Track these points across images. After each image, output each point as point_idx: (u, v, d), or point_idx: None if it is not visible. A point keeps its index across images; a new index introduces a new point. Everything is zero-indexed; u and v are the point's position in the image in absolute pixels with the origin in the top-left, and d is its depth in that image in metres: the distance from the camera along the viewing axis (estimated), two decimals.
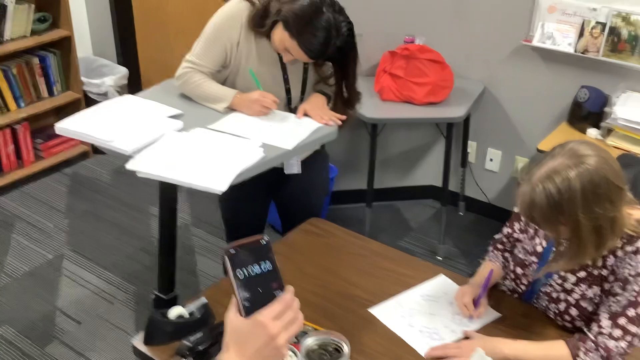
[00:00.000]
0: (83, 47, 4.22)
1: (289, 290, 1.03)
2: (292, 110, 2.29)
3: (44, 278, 3.12)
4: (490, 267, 1.88)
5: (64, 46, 3.90)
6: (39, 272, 3.16)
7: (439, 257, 3.35)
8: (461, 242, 3.50)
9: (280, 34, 2.06)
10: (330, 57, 2.11)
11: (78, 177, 3.97)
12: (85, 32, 4.29)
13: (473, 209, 3.71)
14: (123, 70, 4.17)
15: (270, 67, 2.21)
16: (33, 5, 3.71)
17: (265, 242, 1.02)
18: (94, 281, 3.12)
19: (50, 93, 3.95)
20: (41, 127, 3.96)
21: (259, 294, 1.00)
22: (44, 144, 3.95)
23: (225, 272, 1.00)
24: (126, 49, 4.32)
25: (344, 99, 2.23)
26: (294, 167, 2.22)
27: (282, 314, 1.01)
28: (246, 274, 0.99)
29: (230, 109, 2.21)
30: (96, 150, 4.11)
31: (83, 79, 4.02)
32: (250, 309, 1.00)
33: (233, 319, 1.01)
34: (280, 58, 2.19)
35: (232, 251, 0.99)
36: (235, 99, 2.19)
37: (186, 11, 3.99)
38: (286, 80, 2.24)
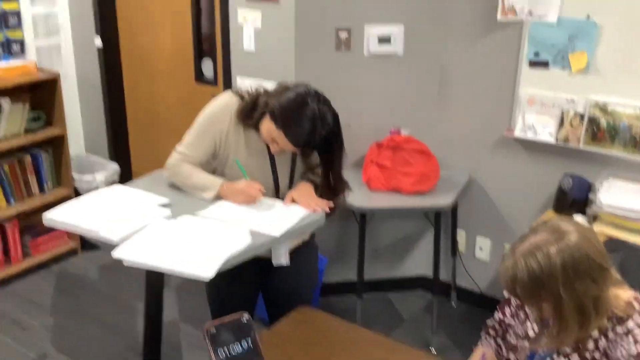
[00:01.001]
0: (76, 144, 4.30)
1: None
2: (280, 200, 2.31)
3: None
4: (482, 352, 1.85)
5: (57, 144, 3.96)
6: None
7: (432, 349, 3.28)
8: (454, 334, 3.43)
9: (267, 125, 2.12)
10: (316, 146, 2.16)
11: (65, 274, 3.92)
12: (78, 130, 4.39)
13: (465, 299, 3.67)
14: (114, 167, 4.23)
15: (259, 157, 2.26)
16: (28, 105, 3.81)
17: (246, 320, 1.01)
18: None
19: (42, 190, 3.97)
20: (31, 224, 3.95)
21: None
22: (32, 241, 3.93)
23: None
24: (118, 146, 4.40)
25: (330, 188, 2.26)
26: (281, 258, 2.22)
27: None
28: (227, 353, 0.98)
29: (218, 197, 2.23)
30: (85, 246, 4.09)
31: (74, 175, 4.07)
32: None
33: None
34: (269, 149, 2.24)
35: (213, 330, 0.98)
36: (222, 188, 2.22)
37: (178, 110, 4.10)
38: (274, 171, 2.28)
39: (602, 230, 2.78)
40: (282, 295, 2.43)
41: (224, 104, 2.25)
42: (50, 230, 3.97)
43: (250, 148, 2.25)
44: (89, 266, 3.97)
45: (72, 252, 4.09)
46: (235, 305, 2.44)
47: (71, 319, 3.48)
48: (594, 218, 2.88)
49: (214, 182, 2.23)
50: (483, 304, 3.55)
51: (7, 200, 3.79)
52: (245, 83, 3.34)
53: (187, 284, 3.72)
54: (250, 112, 2.18)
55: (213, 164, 2.31)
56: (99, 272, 3.91)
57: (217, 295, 2.46)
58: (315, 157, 2.29)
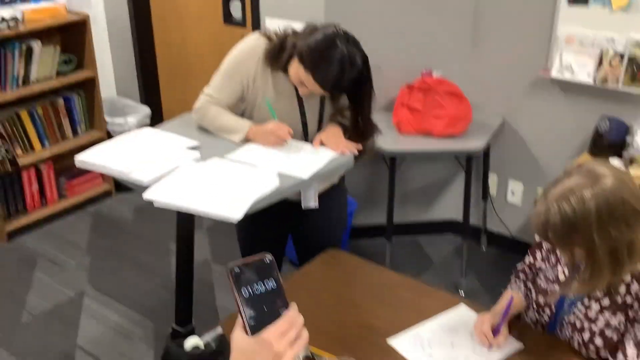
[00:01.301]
0: (107, 87, 4.31)
1: (293, 307, 1.02)
2: (309, 142, 2.29)
3: (65, 315, 3.13)
4: (510, 295, 1.84)
5: (88, 87, 3.99)
6: (60, 310, 3.17)
7: (461, 292, 3.29)
8: (484, 278, 3.43)
9: (295, 67, 2.09)
10: (345, 89, 2.12)
11: (100, 216, 4.01)
12: (109, 73, 4.40)
13: (495, 243, 3.65)
14: (146, 110, 4.25)
15: (287, 100, 2.23)
16: (59, 48, 3.82)
17: (269, 261, 1.01)
18: (114, 318, 3.11)
19: (75, 133, 4.03)
20: (65, 166, 4.03)
21: (264, 312, 0.99)
22: (67, 183, 4.00)
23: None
24: (149, 89, 4.41)
25: (359, 131, 2.23)
26: (310, 202, 2.21)
27: (287, 331, 0.99)
28: (251, 292, 0.99)
29: (246, 140, 2.23)
30: (119, 188, 4.16)
31: (107, 118, 4.10)
32: (255, 327, 0.98)
33: (238, 338, 1.00)
34: (297, 91, 2.21)
35: (237, 270, 0.99)
36: (250, 131, 2.21)
37: (207, 51, 4.07)
38: (302, 114, 2.26)
39: (638, 173, 2.71)
40: (311, 238, 2.45)
41: (251, 45, 2.21)
42: (84, 172, 4.04)
43: (278, 90, 2.22)
44: (123, 208, 4.05)
45: (106, 194, 4.17)
46: (265, 247, 2.46)
47: (107, 258, 3.57)
48: (630, 161, 2.81)
49: (242, 125, 2.22)
50: (513, 248, 3.54)
51: (42, 143, 3.86)
52: (274, 24, 3.28)
53: (218, 225, 3.78)
54: (278, 53, 2.14)
55: (242, 107, 2.29)
56: (133, 214, 3.99)
57: (247, 237, 2.48)
58: (344, 100, 2.26)
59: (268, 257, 1.01)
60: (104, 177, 4.15)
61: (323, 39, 2.03)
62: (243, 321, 0.99)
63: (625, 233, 1.46)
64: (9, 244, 3.70)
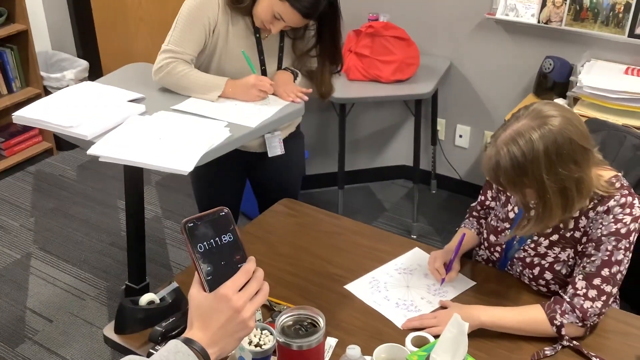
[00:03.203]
0: (41, 41, 4.11)
1: (251, 260, 1.00)
2: None
3: (13, 278, 3.04)
4: (462, 232, 1.88)
5: (21, 41, 3.80)
6: (7, 273, 3.08)
7: (413, 236, 3.35)
8: (435, 220, 3.49)
9: (267, 2, 2.00)
10: (322, 13, 2.06)
11: (42, 175, 3.88)
12: (42, 25, 4.18)
13: (445, 186, 3.71)
14: (83, 63, 4.08)
15: (247, 47, 2.15)
16: None
17: (224, 214, 0.98)
18: (64, 279, 3.05)
19: (10, 90, 3.85)
20: (1, 125, 3.86)
21: (222, 268, 0.97)
22: (5, 143, 3.84)
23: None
24: (86, 42, 4.22)
25: (329, 67, 2.19)
26: (277, 149, 2.18)
27: (246, 285, 0.98)
28: (207, 247, 0.96)
29: (223, 97, 2.12)
30: (60, 146, 4.02)
31: (43, 73, 3.92)
32: (213, 283, 0.96)
33: (195, 294, 0.98)
34: (257, 37, 2.13)
35: (191, 225, 0.95)
36: (227, 86, 2.10)
37: (144, 0, 3.90)
38: (262, 61, 2.19)
39: (582, 112, 2.77)
40: (271, 186, 2.42)
41: None
42: (23, 131, 3.89)
43: (238, 38, 2.13)
44: (66, 167, 3.92)
45: (47, 153, 4.03)
46: (223, 197, 2.43)
47: (52, 219, 3.47)
48: (574, 100, 2.86)
49: (218, 82, 2.10)
50: (463, 190, 3.60)
51: None
52: None
53: (168, 180, 3.71)
54: None
55: (198, 60, 2.18)
56: (77, 172, 3.87)
57: (204, 190, 2.43)
58: (306, 40, 2.19)
59: (224, 210, 0.98)
60: (43, 135, 3.99)
61: None
62: (200, 278, 0.96)
63: (573, 171, 1.49)
64: None
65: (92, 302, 2.91)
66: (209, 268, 0.96)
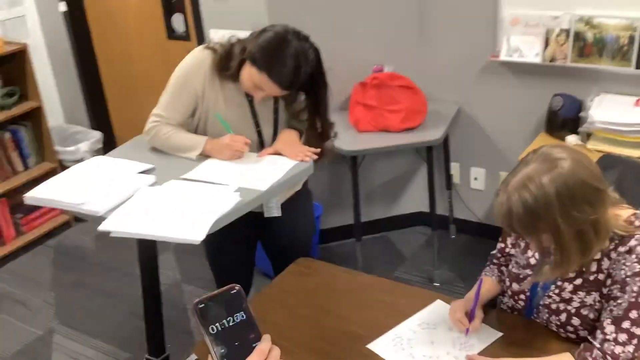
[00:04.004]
0: (54, 116, 4.20)
1: (266, 339, 0.96)
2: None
3: (35, 355, 3.02)
4: (484, 280, 1.83)
5: (35, 117, 3.87)
6: (30, 350, 3.06)
7: (436, 284, 3.29)
8: (456, 266, 3.44)
9: (248, 71, 2.04)
10: (301, 86, 2.07)
11: (62, 248, 3.89)
12: (55, 101, 4.27)
13: (464, 230, 3.66)
14: (97, 135, 4.15)
15: (239, 110, 2.19)
16: (0, 81, 3.69)
17: (236, 292, 0.96)
18: (87, 352, 3.02)
19: (25, 166, 3.90)
20: (20, 201, 3.86)
21: (236, 348, 0.94)
22: (24, 218, 3.88)
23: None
24: (98, 113, 4.30)
25: (317, 131, 2.20)
26: (273, 210, 2.17)
27: None
28: (219, 328, 0.93)
29: (203, 155, 2.17)
30: (78, 218, 4.04)
31: (57, 148, 3.98)
32: None
33: None
34: (249, 101, 2.16)
35: (201, 305, 0.93)
36: (207, 145, 2.16)
37: (153, 68, 3.99)
38: (257, 124, 2.21)
39: (596, 147, 2.74)
40: (280, 246, 2.41)
41: (196, 59, 2.16)
42: (40, 206, 3.92)
43: (229, 102, 2.17)
44: (84, 238, 3.94)
45: (65, 226, 4.05)
46: (234, 260, 2.42)
47: (73, 291, 3.46)
48: (587, 136, 2.84)
49: (198, 141, 2.17)
50: (482, 233, 3.55)
51: None
52: (219, 35, 3.22)
53: (185, 244, 3.69)
54: (227, 62, 2.09)
55: (193, 123, 2.23)
56: (95, 243, 3.88)
57: (215, 256, 2.43)
58: (298, 103, 2.22)
59: (235, 288, 0.96)
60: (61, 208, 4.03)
61: (274, 36, 2.00)
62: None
63: (588, 213, 1.45)
64: None
65: None
66: (222, 350, 0.93)
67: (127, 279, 3.51)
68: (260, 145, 2.24)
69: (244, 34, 2.19)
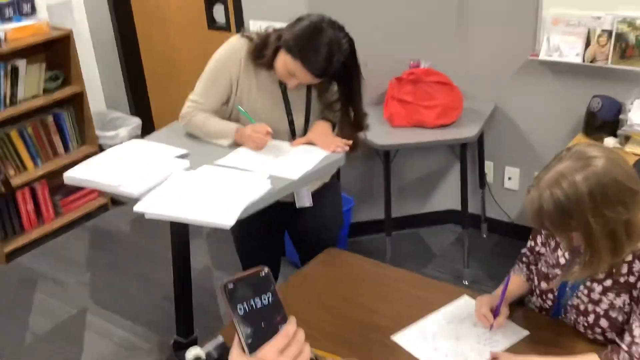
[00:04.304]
0: (96, 101, 4.29)
1: (292, 321, 0.97)
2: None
3: (69, 334, 3.10)
4: (512, 279, 1.83)
5: (77, 102, 3.96)
6: (64, 328, 3.14)
7: (465, 282, 3.27)
8: (486, 265, 3.41)
9: (283, 58, 2.06)
10: (334, 74, 2.09)
11: (98, 230, 3.99)
12: (97, 86, 4.37)
13: (496, 230, 3.63)
14: (136, 121, 4.23)
15: (272, 99, 2.21)
16: (44, 65, 3.79)
17: (264, 274, 0.97)
18: (119, 333, 3.09)
19: (67, 149, 4.00)
20: (60, 183, 3.96)
21: (262, 329, 0.95)
22: (63, 200, 3.98)
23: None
24: (138, 100, 4.38)
25: (351, 121, 2.21)
26: (305, 200, 2.19)
27: (286, 348, 0.96)
28: (247, 308, 0.94)
29: (236, 143, 2.21)
30: (115, 202, 4.13)
31: (98, 132, 4.07)
32: (253, 345, 0.94)
33: (236, 357, 0.96)
34: (282, 89, 2.18)
35: (230, 286, 0.94)
36: (237, 134, 2.19)
37: (193, 58, 4.04)
38: (289, 112, 2.23)
39: (634, 150, 2.69)
40: (307, 237, 2.43)
41: (232, 47, 2.19)
42: (79, 188, 4.01)
43: (262, 89, 2.20)
44: (121, 221, 4.03)
45: (103, 208, 4.14)
46: (262, 249, 2.45)
47: (107, 273, 3.55)
48: (625, 139, 2.79)
49: (230, 129, 2.20)
50: (514, 234, 3.51)
51: (34, 162, 3.83)
52: (257, 26, 3.25)
53: (217, 231, 3.75)
54: (262, 50, 2.12)
55: (227, 111, 2.27)
56: (131, 226, 3.96)
57: (243, 243, 2.46)
58: (332, 93, 2.23)
59: (264, 271, 0.97)
60: (99, 191, 4.12)
61: (309, 25, 2.03)
62: (240, 340, 0.95)
63: (621, 213, 1.43)
64: (8, 265, 3.67)
65: (145, 356, 2.93)
66: (248, 330, 0.94)
67: (159, 262, 3.58)
68: (291, 133, 2.26)
69: (282, 25, 2.22)
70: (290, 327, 0.96)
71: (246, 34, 2.20)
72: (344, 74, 2.10)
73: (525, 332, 1.75)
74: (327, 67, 2.02)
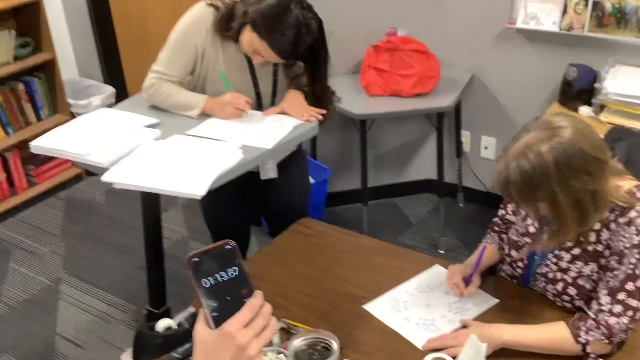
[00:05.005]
0: (68, 69, 4.20)
1: (258, 295, 0.96)
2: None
3: (43, 304, 3.08)
4: (483, 246, 1.84)
5: (48, 69, 3.88)
6: (38, 299, 3.12)
7: (440, 251, 3.29)
8: (462, 234, 3.43)
9: (248, 35, 2.02)
10: (301, 55, 2.05)
11: (73, 200, 3.94)
12: (69, 54, 4.27)
13: (472, 199, 3.65)
14: (110, 89, 4.15)
15: (239, 71, 2.17)
16: (14, 31, 3.69)
17: (230, 247, 0.96)
18: (93, 303, 3.07)
19: (38, 118, 3.93)
20: (32, 153, 3.92)
21: (228, 303, 0.94)
22: (36, 170, 3.92)
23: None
24: (111, 68, 4.29)
25: (317, 98, 2.18)
26: (269, 172, 2.17)
27: (251, 321, 0.95)
28: (212, 282, 0.93)
29: (204, 114, 2.17)
30: (89, 172, 4.08)
31: (70, 100, 4.00)
32: (219, 319, 0.93)
33: (200, 331, 0.95)
34: (249, 62, 2.14)
35: (196, 259, 0.93)
36: (207, 104, 2.15)
37: (167, 25, 3.94)
38: (256, 85, 2.19)
39: (609, 119, 2.70)
40: (276, 207, 2.41)
41: (197, 16, 2.12)
42: (53, 157, 3.95)
43: (229, 62, 2.15)
44: (95, 191, 3.98)
45: (77, 178, 4.09)
46: (231, 220, 2.43)
47: (81, 243, 3.52)
48: (601, 107, 2.79)
49: (199, 100, 2.16)
50: (491, 203, 3.50)
51: (5, 131, 3.76)
52: None
53: (193, 201, 3.70)
54: (227, 23, 2.06)
55: (193, 81, 2.22)
56: (106, 197, 3.92)
57: (212, 213, 2.45)
58: (298, 67, 2.20)
59: (230, 244, 0.96)
60: (72, 161, 4.06)
61: (276, 3, 1.97)
62: (205, 313, 0.94)
63: (587, 183, 1.44)
64: None
65: (120, 326, 2.93)
66: (214, 304, 0.93)
67: (135, 233, 3.55)
68: (258, 106, 2.23)
69: None
70: (256, 301, 0.95)
71: (212, 3, 2.12)
72: (311, 55, 2.07)
73: (496, 301, 1.76)
74: (294, 49, 1.98)
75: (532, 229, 1.72)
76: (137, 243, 3.47)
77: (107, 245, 3.48)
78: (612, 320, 1.50)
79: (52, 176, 4.00)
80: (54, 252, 3.46)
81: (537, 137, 1.44)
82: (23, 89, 3.81)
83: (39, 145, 2.00)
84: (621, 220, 1.52)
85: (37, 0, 3.67)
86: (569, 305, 1.67)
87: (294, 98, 2.18)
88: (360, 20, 3.24)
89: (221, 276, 0.94)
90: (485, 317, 1.70)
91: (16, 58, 3.72)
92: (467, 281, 1.76)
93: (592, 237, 1.57)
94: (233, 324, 0.93)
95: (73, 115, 3.99)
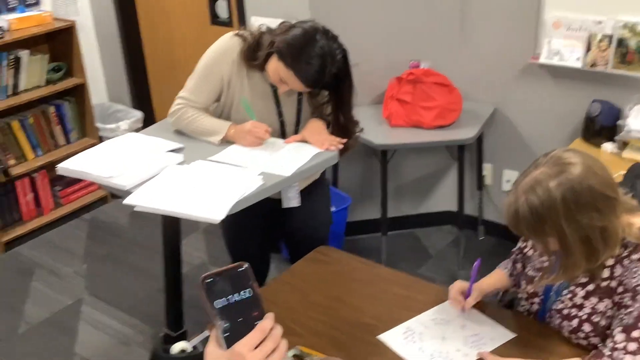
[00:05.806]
0: (98, 93, 4.30)
1: (269, 317, 0.98)
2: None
3: (63, 324, 3.12)
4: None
5: (79, 94, 3.98)
6: (59, 318, 3.16)
7: None
8: (482, 267, 3.39)
9: (275, 64, 2.07)
10: (325, 85, 2.09)
11: (97, 222, 4.00)
12: (99, 79, 4.38)
13: (493, 232, 3.63)
14: (138, 114, 4.24)
15: (264, 100, 2.21)
16: (47, 56, 3.81)
17: (243, 269, 0.98)
18: (112, 324, 3.10)
19: (67, 140, 4.02)
20: (60, 175, 4.01)
21: (240, 324, 0.96)
22: (62, 191, 4.00)
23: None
24: (140, 93, 4.39)
25: (340, 128, 2.21)
26: (292, 201, 2.20)
27: (262, 343, 0.96)
28: (224, 303, 0.95)
29: (226, 141, 2.21)
30: (115, 195, 4.15)
31: (98, 124, 4.09)
32: (230, 340, 0.95)
33: (211, 351, 0.97)
34: (274, 91, 2.19)
35: (209, 280, 0.95)
36: (229, 131, 2.19)
37: (195, 53, 4.02)
38: (280, 113, 2.24)
39: (632, 156, 2.69)
40: (296, 235, 2.43)
41: (225, 46, 2.19)
42: (79, 179, 4.03)
43: (254, 90, 2.20)
44: (119, 214, 4.04)
45: (102, 201, 4.16)
46: (251, 246, 2.46)
47: (104, 265, 3.56)
48: (623, 144, 2.78)
49: (221, 126, 2.20)
50: (511, 237, 3.44)
51: (35, 152, 3.85)
52: (259, 22, 3.26)
53: (214, 227, 3.74)
54: (254, 52, 2.12)
55: (218, 109, 2.27)
56: (129, 219, 3.98)
57: (233, 239, 2.47)
58: (322, 96, 2.23)
59: (243, 266, 0.98)
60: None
61: (302, 34, 2.01)
62: (217, 334, 0.96)
63: (596, 220, 1.44)
64: (6, 254, 3.70)
65: (138, 348, 2.94)
66: (226, 324, 0.95)
67: (156, 256, 3.57)
68: (282, 134, 2.26)
69: (280, 21, 2.22)
70: (266, 323, 0.97)
71: (239, 33, 2.19)
72: (336, 84, 2.10)
73: (512, 335, 1.75)
74: (319, 78, 2.02)
75: (547, 264, 1.71)
76: (157, 266, 3.49)
77: (129, 268, 3.52)
78: (628, 358, 1.48)
79: (77, 198, 4.07)
80: (77, 272, 3.51)
81: (546, 172, 1.46)
82: (53, 112, 3.91)
83: (65, 167, 2.06)
84: (634, 256, 1.51)
85: (71, 26, 3.78)
86: (584, 342, 1.65)
87: (315, 126, 2.21)
88: (384, 52, 3.28)
89: (234, 297, 0.96)
90: (502, 351, 1.69)
91: (48, 82, 3.82)
92: (467, 295, 1.81)
93: (606, 273, 1.56)
94: (244, 344, 0.94)
95: (101, 139, 4.07)
